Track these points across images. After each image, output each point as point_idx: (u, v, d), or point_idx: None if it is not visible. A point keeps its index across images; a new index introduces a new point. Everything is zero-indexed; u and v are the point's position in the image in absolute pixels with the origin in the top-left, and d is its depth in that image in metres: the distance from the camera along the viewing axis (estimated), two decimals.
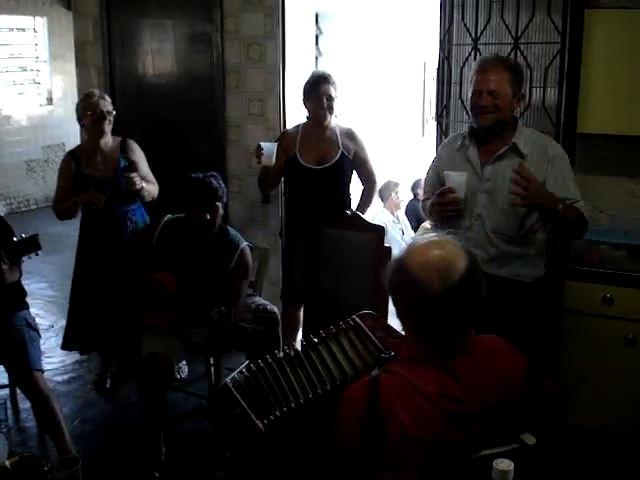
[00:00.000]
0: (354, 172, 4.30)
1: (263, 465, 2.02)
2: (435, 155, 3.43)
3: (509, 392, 1.84)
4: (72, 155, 4.35)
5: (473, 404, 1.77)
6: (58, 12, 9.29)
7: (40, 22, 9.45)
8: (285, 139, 4.28)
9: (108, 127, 4.25)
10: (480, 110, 3.04)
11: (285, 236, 4.44)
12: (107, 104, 4.25)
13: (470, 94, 3.10)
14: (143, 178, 4.21)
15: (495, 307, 2.76)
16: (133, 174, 4.10)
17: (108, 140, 4.29)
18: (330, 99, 4.12)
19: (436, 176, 3.27)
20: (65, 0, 9.06)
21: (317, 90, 4.10)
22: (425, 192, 3.42)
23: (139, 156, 4.34)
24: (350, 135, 4.24)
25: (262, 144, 4.06)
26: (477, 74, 3.07)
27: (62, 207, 4.27)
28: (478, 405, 1.77)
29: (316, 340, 2.08)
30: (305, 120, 4.27)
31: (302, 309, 4.09)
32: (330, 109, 4.13)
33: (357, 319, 2.12)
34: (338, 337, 2.07)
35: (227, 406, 2.00)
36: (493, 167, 3.07)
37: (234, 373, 4.06)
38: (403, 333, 2.00)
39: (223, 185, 3.79)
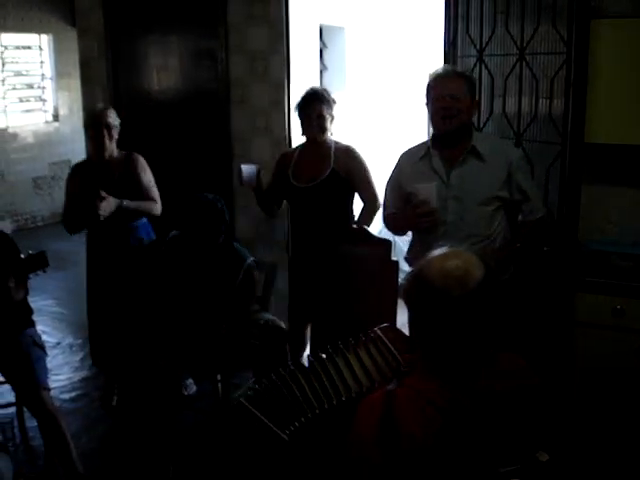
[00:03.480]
0: (354, 192, 4.18)
1: (288, 476, 2.00)
2: (394, 168, 3.46)
3: (523, 411, 1.84)
4: (78, 168, 4.37)
5: (487, 421, 1.76)
6: (64, 29, 9.33)
7: (45, 40, 9.49)
8: (282, 160, 4.27)
9: (109, 140, 4.24)
10: (444, 113, 3.16)
11: (290, 255, 4.39)
12: (110, 118, 4.25)
13: (431, 105, 3.22)
14: (145, 192, 4.24)
15: None
16: (103, 201, 4.01)
17: (112, 153, 4.29)
18: (321, 118, 4.03)
19: (397, 188, 3.39)
20: (70, 18, 9.09)
21: (308, 108, 4.05)
22: (387, 206, 3.50)
23: (142, 169, 4.33)
24: (347, 154, 4.11)
25: (242, 167, 4.06)
26: (435, 82, 3.22)
27: (71, 220, 4.28)
28: (492, 422, 1.76)
29: (333, 352, 2.07)
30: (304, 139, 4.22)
31: (309, 326, 4.05)
32: (321, 128, 4.05)
33: (379, 332, 2.12)
34: (357, 349, 2.07)
35: (244, 423, 1.97)
36: (457, 172, 3.20)
37: (242, 390, 4.06)
38: None
39: (224, 207, 3.81)
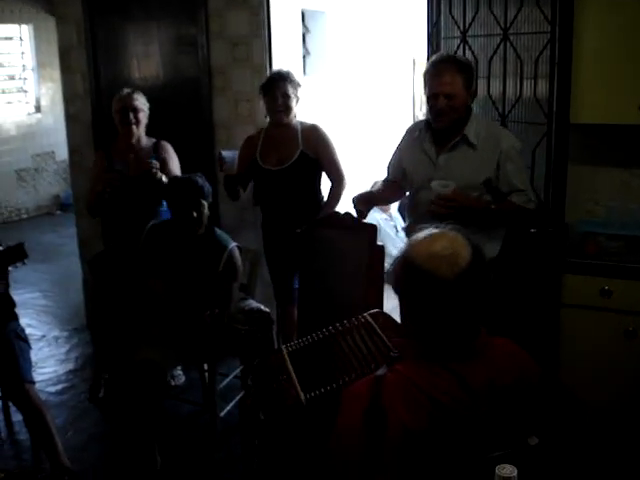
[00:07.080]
0: (321, 172, 4.16)
1: (293, 436, 2.01)
2: (401, 138, 3.56)
3: (518, 397, 1.82)
4: (105, 151, 4.32)
5: (478, 407, 1.74)
6: (44, 20, 9.21)
7: (26, 30, 9.38)
8: (248, 143, 4.23)
9: (137, 125, 4.20)
10: (437, 113, 3.18)
11: (263, 239, 4.35)
12: (138, 102, 4.20)
13: (425, 97, 3.24)
14: None
15: None
16: (155, 162, 4.03)
17: (141, 138, 4.25)
18: (286, 97, 3.99)
19: (398, 160, 3.53)
20: (51, 7, 8.97)
21: (273, 88, 4.00)
22: (388, 172, 3.65)
23: (170, 156, 4.29)
24: (313, 132, 4.08)
25: (223, 153, 4.01)
26: (431, 77, 3.19)
27: (91, 199, 4.23)
28: (483, 408, 1.74)
29: (329, 334, 2.10)
30: (268, 122, 4.17)
31: (295, 310, 4.03)
32: (286, 108, 4.01)
33: (369, 317, 2.12)
34: (352, 333, 2.08)
35: (275, 370, 2.02)
36: (446, 156, 3.24)
37: (229, 377, 4.04)
38: None
39: (208, 185, 3.76)
